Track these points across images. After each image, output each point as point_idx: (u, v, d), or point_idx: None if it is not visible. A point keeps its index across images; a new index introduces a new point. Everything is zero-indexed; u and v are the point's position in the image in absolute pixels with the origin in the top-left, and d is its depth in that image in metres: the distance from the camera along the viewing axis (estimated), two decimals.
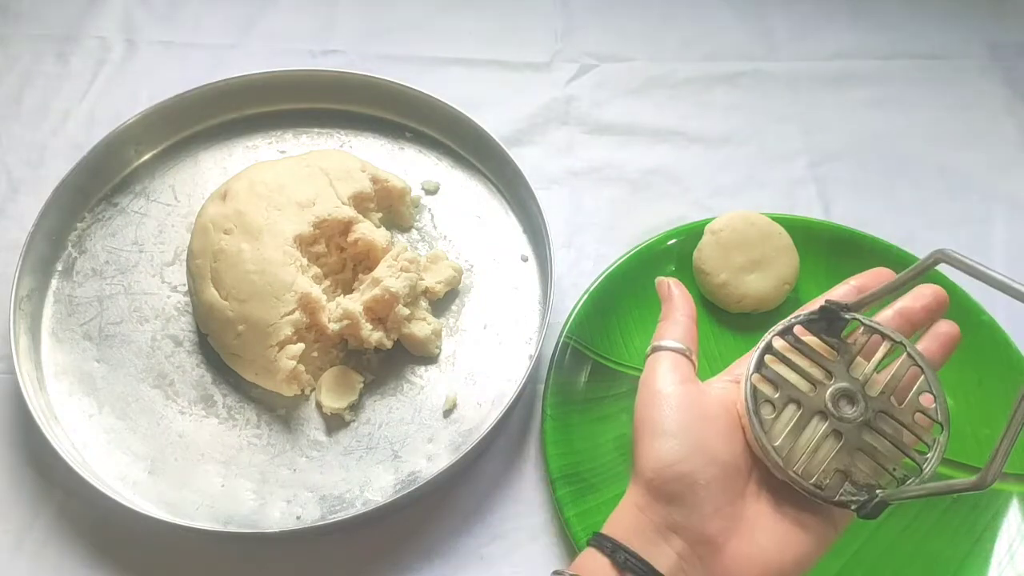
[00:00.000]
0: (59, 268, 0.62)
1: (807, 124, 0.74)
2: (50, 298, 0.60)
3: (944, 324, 0.44)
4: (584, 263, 0.65)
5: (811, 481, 0.39)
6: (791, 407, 0.41)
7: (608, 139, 0.73)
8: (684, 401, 0.41)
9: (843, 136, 0.74)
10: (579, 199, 0.69)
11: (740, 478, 0.40)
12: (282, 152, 0.68)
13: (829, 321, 0.43)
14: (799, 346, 0.42)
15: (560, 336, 0.58)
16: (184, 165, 0.67)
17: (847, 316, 0.43)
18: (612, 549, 0.38)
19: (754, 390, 0.41)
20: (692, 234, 0.62)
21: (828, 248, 0.62)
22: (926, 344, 0.44)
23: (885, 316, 0.44)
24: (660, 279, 0.48)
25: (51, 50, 0.76)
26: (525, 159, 0.65)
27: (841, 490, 0.39)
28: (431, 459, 0.54)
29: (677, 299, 0.46)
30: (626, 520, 0.39)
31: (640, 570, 0.37)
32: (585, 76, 0.76)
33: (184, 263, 0.61)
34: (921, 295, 0.45)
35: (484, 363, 0.58)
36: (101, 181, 0.65)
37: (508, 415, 0.54)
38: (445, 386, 0.57)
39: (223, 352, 0.57)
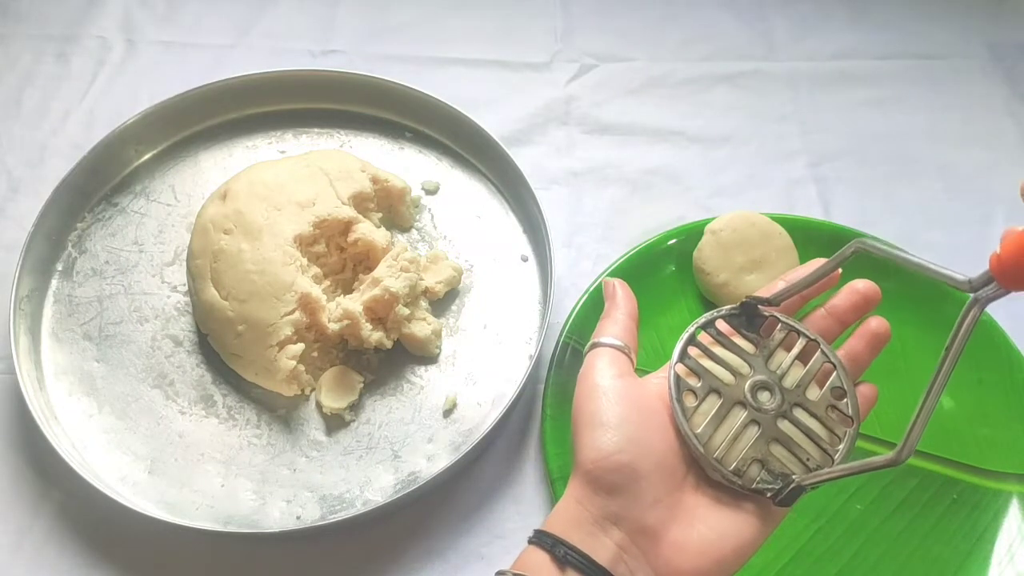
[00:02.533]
0: (59, 268, 0.62)
1: (807, 124, 0.74)
2: (50, 298, 0.60)
3: (874, 321, 0.45)
4: (584, 263, 0.65)
5: (730, 468, 0.39)
6: (712, 397, 0.41)
7: (608, 139, 0.73)
8: (621, 393, 0.41)
9: (843, 136, 0.74)
10: (579, 199, 0.69)
11: (678, 469, 0.40)
12: (282, 152, 0.68)
13: (749, 316, 0.44)
14: (720, 339, 0.43)
15: (560, 336, 0.58)
16: (184, 165, 0.67)
17: (765, 313, 0.44)
18: (552, 544, 0.38)
19: (677, 379, 0.42)
20: (692, 234, 0.62)
21: (828, 248, 0.61)
22: (853, 343, 0.44)
23: (817, 314, 0.45)
24: (606, 279, 0.48)
25: (51, 50, 0.76)
26: (525, 159, 0.65)
27: (758, 478, 0.39)
28: (431, 459, 0.54)
29: (620, 299, 0.47)
30: (566, 514, 0.39)
31: (580, 563, 0.37)
32: (585, 76, 0.76)
33: (184, 263, 0.61)
34: (853, 291, 0.45)
35: (484, 363, 0.58)
36: (101, 181, 0.65)
37: (508, 415, 0.54)
38: (445, 386, 0.57)
39: (223, 352, 0.57)
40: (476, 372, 0.58)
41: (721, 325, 0.44)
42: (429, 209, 0.66)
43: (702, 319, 0.44)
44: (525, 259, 0.63)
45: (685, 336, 0.43)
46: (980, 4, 0.83)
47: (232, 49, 0.77)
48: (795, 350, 0.43)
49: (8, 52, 0.76)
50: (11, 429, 0.56)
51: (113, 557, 0.52)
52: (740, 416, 0.41)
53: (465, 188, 0.67)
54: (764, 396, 0.42)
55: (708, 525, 0.39)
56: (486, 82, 0.76)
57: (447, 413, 0.56)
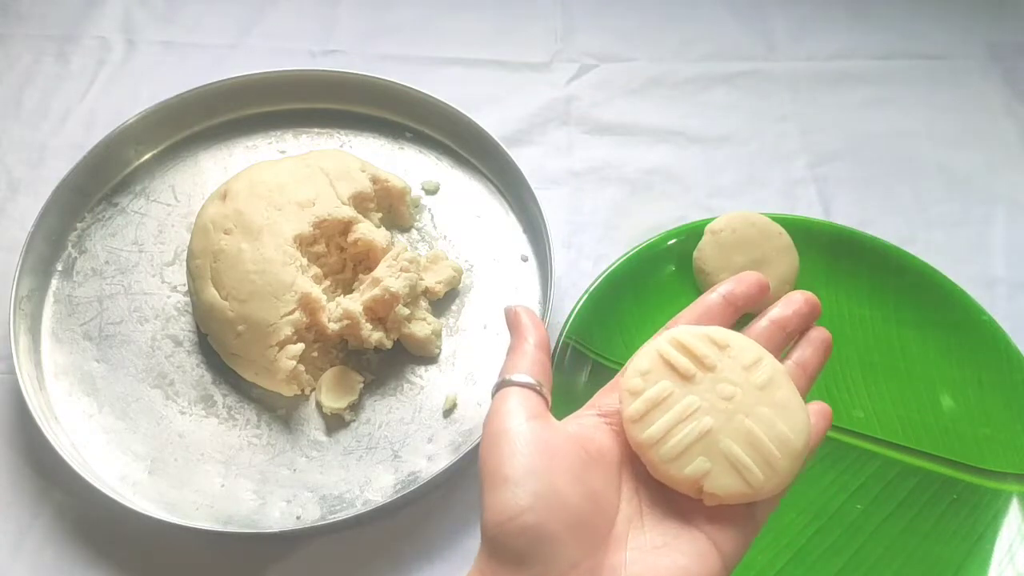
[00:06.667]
0: (59, 268, 0.62)
1: (807, 124, 0.74)
2: (50, 298, 0.60)
3: (816, 331, 0.42)
4: (584, 263, 0.65)
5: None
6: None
7: (608, 139, 0.73)
8: (529, 439, 0.35)
9: (843, 136, 0.74)
10: (579, 199, 0.69)
11: (600, 525, 0.34)
12: (282, 152, 0.68)
13: None
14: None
15: (560, 336, 0.58)
16: (184, 165, 0.67)
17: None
18: None
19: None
20: (692, 234, 0.62)
21: (828, 248, 0.62)
22: (801, 351, 0.41)
23: (759, 326, 0.42)
24: (507, 307, 0.42)
25: (51, 50, 0.76)
26: (525, 159, 0.65)
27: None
28: (431, 459, 0.54)
29: (525, 327, 0.40)
30: None
31: None
32: (585, 76, 0.76)
33: (184, 263, 0.61)
34: (792, 301, 0.42)
35: (484, 363, 0.58)
36: (101, 181, 0.65)
37: None
38: (445, 386, 0.57)
39: (223, 352, 0.57)
40: (476, 372, 0.58)
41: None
42: (429, 209, 0.66)
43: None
44: (525, 259, 0.63)
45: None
46: (980, 4, 0.83)
47: (232, 49, 0.77)
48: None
49: (8, 52, 0.76)
50: (11, 429, 0.56)
51: (113, 557, 0.51)
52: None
53: (465, 188, 0.67)
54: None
55: None
56: (486, 82, 0.76)
57: (447, 413, 0.56)
